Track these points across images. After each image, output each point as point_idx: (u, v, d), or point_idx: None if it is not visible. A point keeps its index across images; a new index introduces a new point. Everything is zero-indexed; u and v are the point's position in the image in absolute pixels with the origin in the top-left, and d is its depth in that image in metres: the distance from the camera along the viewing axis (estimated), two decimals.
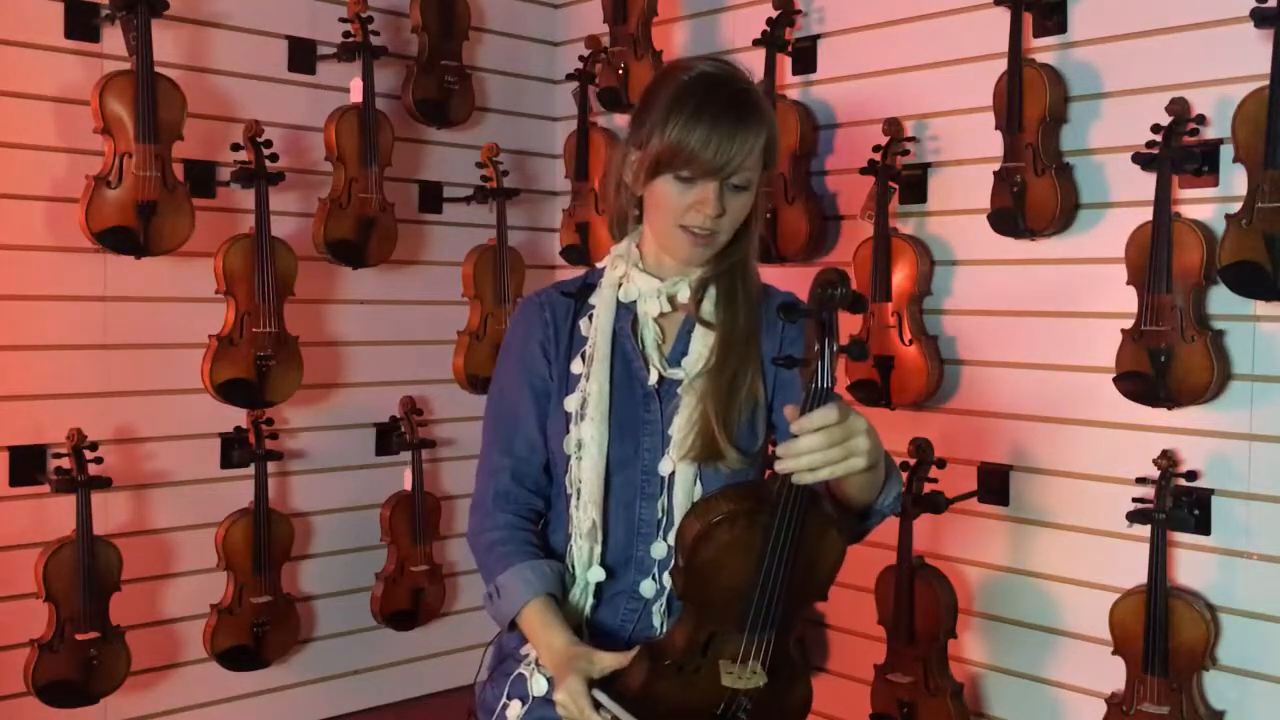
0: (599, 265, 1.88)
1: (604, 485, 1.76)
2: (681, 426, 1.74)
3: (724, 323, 1.76)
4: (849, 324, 3.11)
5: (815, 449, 1.46)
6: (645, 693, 1.64)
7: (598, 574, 1.77)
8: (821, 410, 1.46)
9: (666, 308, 1.80)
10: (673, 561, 1.68)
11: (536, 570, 1.76)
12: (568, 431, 1.78)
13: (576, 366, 1.80)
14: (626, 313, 1.82)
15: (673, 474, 1.75)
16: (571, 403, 1.78)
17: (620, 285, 1.82)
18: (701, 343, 1.78)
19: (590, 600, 1.78)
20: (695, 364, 1.77)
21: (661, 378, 1.78)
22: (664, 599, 1.76)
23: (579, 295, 1.85)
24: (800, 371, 1.48)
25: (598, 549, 1.77)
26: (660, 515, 1.76)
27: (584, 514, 1.76)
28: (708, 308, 1.78)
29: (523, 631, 1.77)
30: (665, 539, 1.75)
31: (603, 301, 1.82)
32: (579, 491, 1.77)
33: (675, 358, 1.79)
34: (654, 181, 1.73)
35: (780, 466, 1.48)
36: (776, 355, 1.74)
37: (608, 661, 1.65)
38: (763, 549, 1.54)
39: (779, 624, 1.59)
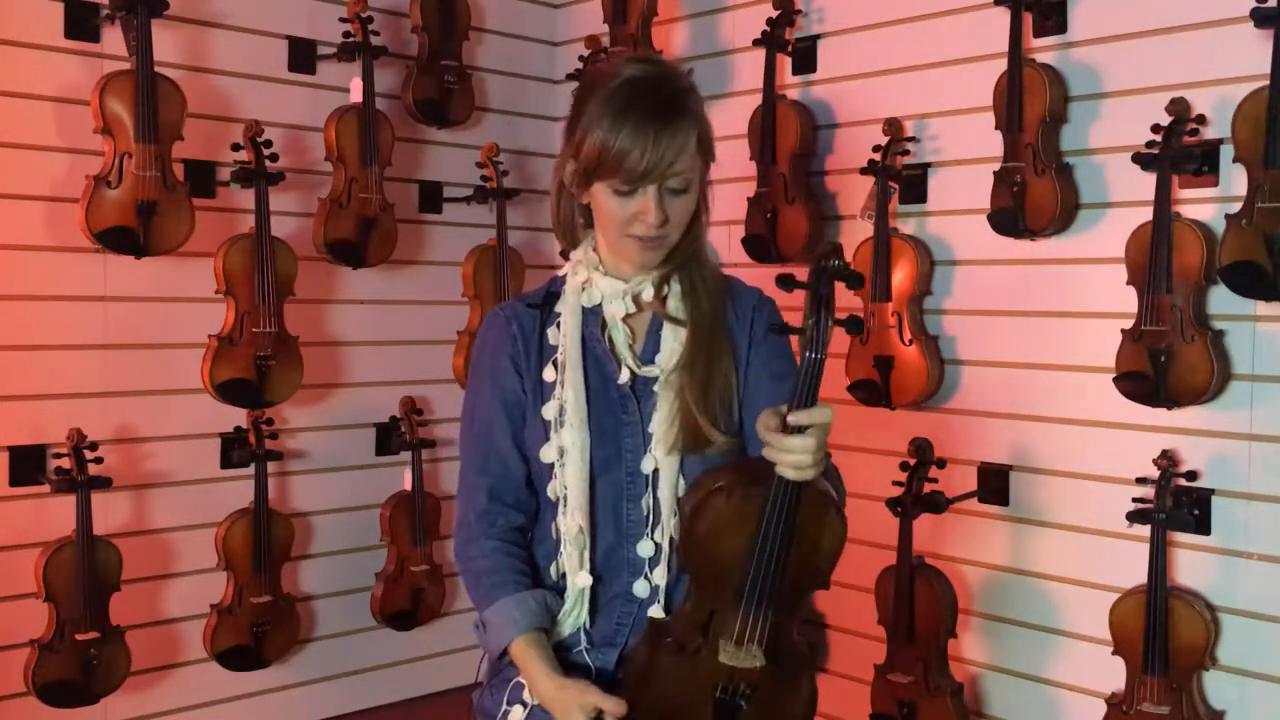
0: (559, 274, 1.88)
1: (589, 490, 1.76)
2: (663, 421, 1.74)
3: (691, 316, 1.78)
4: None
5: (805, 450, 1.50)
6: (647, 670, 1.67)
7: (585, 579, 1.76)
8: (820, 409, 1.50)
9: (632, 308, 1.81)
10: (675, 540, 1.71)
11: (522, 605, 1.76)
12: (547, 440, 1.78)
13: (549, 374, 1.80)
14: (594, 318, 1.82)
15: (656, 470, 1.75)
16: (549, 410, 1.78)
17: (584, 290, 1.83)
18: (673, 338, 1.79)
19: (585, 609, 1.78)
20: (669, 359, 1.78)
21: (636, 376, 1.79)
22: (660, 600, 1.76)
23: (544, 305, 1.85)
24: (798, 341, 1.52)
25: (586, 554, 1.76)
26: (646, 513, 1.76)
27: (571, 520, 1.76)
28: (674, 304, 1.80)
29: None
30: (652, 537, 1.75)
31: (568, 308, 1.82)
32: (564, 499, 1.77)
33: (648, 355, 1.80)
34: (593, 191, 1.74)
35: (769, 454, 1.52)
36: (772, 323, 1.79)
37: (599, 701, 1.65)
38: (757, 523, 1.55)
39: (777, 604, 1.60)
